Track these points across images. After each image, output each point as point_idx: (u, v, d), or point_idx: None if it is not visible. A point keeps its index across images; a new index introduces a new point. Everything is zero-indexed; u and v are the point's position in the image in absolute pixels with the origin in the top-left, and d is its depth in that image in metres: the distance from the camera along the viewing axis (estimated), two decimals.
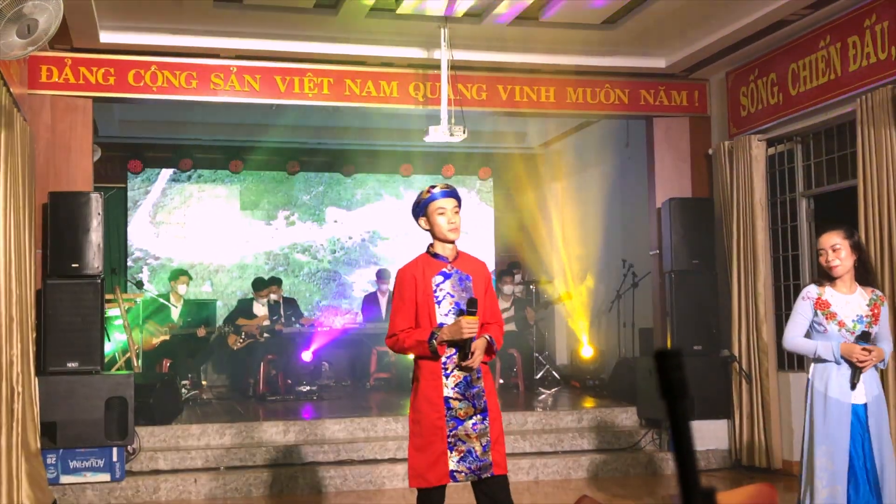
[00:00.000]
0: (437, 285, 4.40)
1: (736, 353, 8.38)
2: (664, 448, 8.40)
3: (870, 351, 4.53)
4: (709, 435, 8.41)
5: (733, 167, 8.55)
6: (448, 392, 4.34)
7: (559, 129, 12.03)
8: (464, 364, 4.33)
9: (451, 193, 4.46)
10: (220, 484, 7.51)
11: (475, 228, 13.41)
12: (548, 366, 11.17)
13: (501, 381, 10.93)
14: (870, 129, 6.93)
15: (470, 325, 4.25)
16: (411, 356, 4.51)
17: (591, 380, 10.75)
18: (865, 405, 4.60)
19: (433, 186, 4.48)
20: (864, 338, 4.57)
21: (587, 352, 11.66)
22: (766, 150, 8.44)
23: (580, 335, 11.97)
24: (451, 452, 4.30)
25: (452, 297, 4.40)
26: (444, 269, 4.43)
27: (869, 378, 4.61)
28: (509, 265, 12.34)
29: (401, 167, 13.09)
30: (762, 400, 8.20)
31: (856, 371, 4.54)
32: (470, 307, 4.27)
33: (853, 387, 4.55)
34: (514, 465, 7.87)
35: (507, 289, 11.47)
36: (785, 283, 8.40)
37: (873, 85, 6.96)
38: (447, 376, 4.35)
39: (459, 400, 4.34)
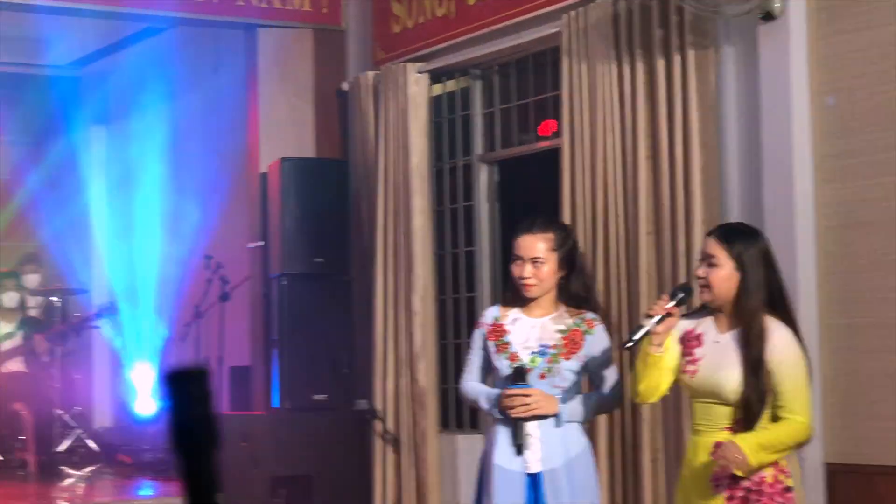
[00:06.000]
0: None
1: (379, 405, 7.22)
2: None
3: (528, 395, 3.94)
4: None
5: (380, 112, 7.38)
6: None
7: (100, 42, 9.57)
8: None
9: None
10: None
11: None
12: (81, 430, 8.59)
13: (1, 457, 8.34)
14: (580, 60, 6.16)
15: None
16: None
17: (150, 450, 8.19)
18: (541, 474, 4.00)
19: None
20: (519, 376, 4.00)
21: (147, 405, 8.89)
22: (430, 88, 7.25)
23: (134, 378, 9.19)
24: None
25: None
26: None
27: (553, 438, 3.95)
28: (22, 258, 9.33)
29: None
30: (418, 474, 7.05)
31: (519, 427, 3.99)
32: None
33: (518, 450, 3.98)
34: None
35: (9, 299, 8.79)
36: (455, 294, 7.08)
37: None
38: None
39: None
